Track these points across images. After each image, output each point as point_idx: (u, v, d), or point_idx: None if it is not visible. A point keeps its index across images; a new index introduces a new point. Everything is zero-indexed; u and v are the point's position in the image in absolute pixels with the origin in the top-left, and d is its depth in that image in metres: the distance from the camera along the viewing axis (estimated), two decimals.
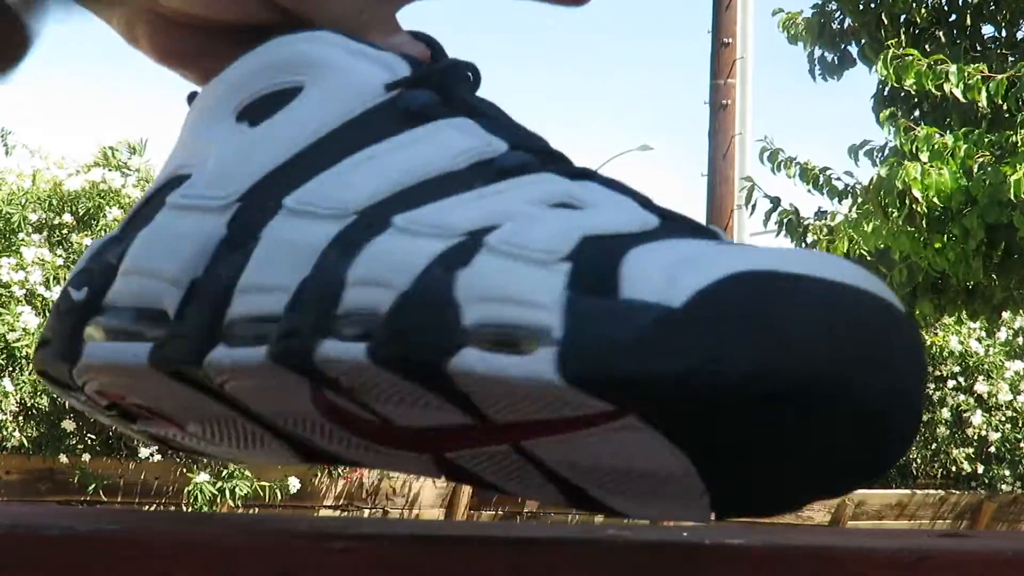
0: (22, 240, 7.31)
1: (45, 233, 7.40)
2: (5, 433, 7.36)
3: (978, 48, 5.93)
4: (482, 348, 0.39)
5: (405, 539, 0.43)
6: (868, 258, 5.86)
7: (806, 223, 6.17)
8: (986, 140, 5.14)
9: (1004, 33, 6.03)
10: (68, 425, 6.56)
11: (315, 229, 0.45)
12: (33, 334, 7.20)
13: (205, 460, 6.25)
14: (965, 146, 5.11)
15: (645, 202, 0.45)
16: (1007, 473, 8.71)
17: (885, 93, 5.83)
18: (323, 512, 7.00)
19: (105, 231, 6.99)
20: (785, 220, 6.17)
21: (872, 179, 5.41)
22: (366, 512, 7.18)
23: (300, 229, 0.46)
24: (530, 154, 0.47)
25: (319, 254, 0.44)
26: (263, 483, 6.63)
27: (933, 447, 8.59)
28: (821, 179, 5.90)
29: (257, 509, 6.49)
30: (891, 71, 5.26)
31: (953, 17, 5.98)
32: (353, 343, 0.42)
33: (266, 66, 0.51)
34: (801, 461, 0.39)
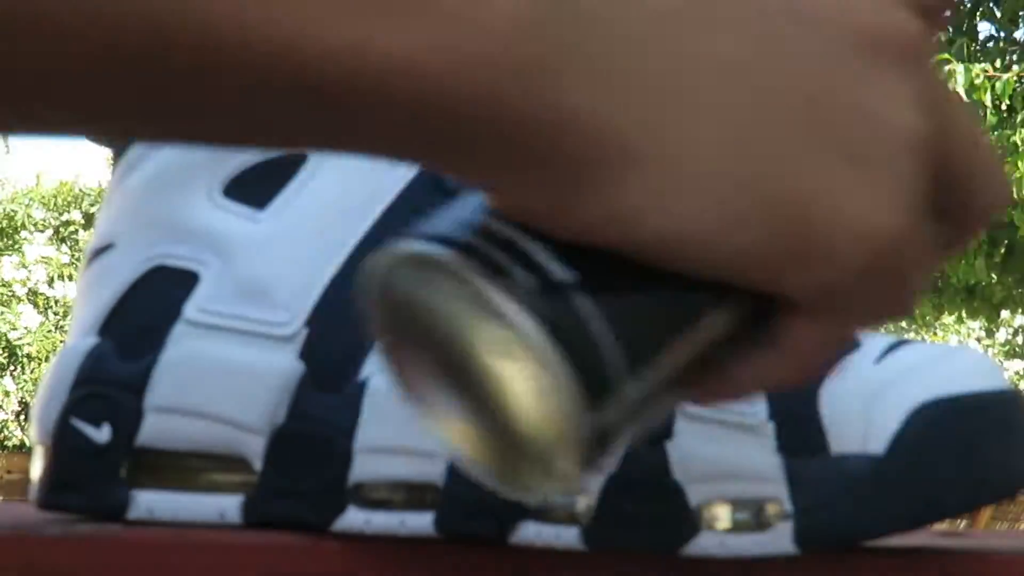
0: (25, 239, 7.32)
1: (49, 232, 7.42)
2: (6, 432, 7.35)
3: (976, 46, 5.93)
4: (716, 530, 0.40)
5: (406, 539, 0.43)
6: None
7: None
8: (990, 140, 5.14)
9: (1003, 33, 6.02)
10: None
11: None
12: (34, 333, 7.19)
13: None
14: None
15: None
16: None
17: None
18: None
19: None
20: None
21: None
22: None
23: None
24: None
25: None
26: None
27: None
28: None
29: None
30: None
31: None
32: (563, 527, 0.41)
33: None
34: None
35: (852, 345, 0.43)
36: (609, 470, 0.40)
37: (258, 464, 0.43)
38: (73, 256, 7.35)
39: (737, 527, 0.40)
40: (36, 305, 7.25)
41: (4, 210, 7.36)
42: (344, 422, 0.42)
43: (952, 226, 0.30)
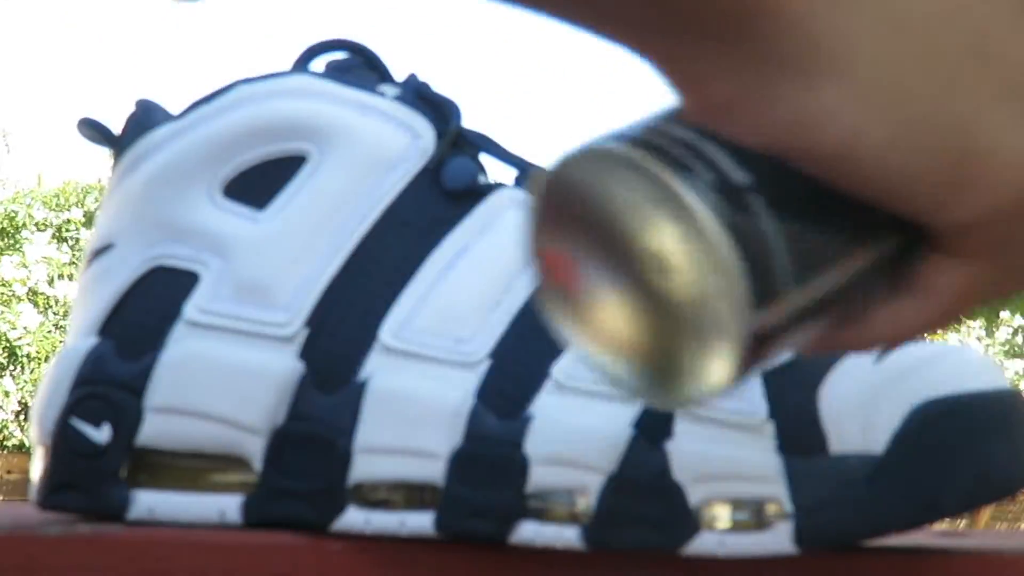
0: (26, 238, 7.32)
1: (49, 232, 7.41)
2: (6, 432, 7.35)
3: None
4: (715, 530, 0.40)
5: (405, 539, 0.43)
6: None
7: None
8: None
9: None
10: None
11: (443, 378, 0.42)
12: (34, 333, 7.19)
13: None
14: None
15: None
16: None
17: None
18: None
19: None
20: None
21: None
22: None
23: (417, 376, 0.42)
24: None
25: (466, 414, 0.42)
26: None
27: None
28: None
29: None
30: None
31: None
32: (563, 527, 0.41)
33: (252, 131, 0.45)
34: None
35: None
36: (611, 472, 0.40)
37: (258, 464, 0.43)
38: (73, 255, 7.35)
39: (737, 527, 0.40)
40: (36, 305, 7.25)
41: (5, 210, 7.36)
42: (344, 422, 0.42)
43: None
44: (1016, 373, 8.63)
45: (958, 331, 8.50)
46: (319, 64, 0.48)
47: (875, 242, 0.28)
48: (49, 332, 7.27)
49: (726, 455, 0.40)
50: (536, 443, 0.41)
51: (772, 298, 0.27)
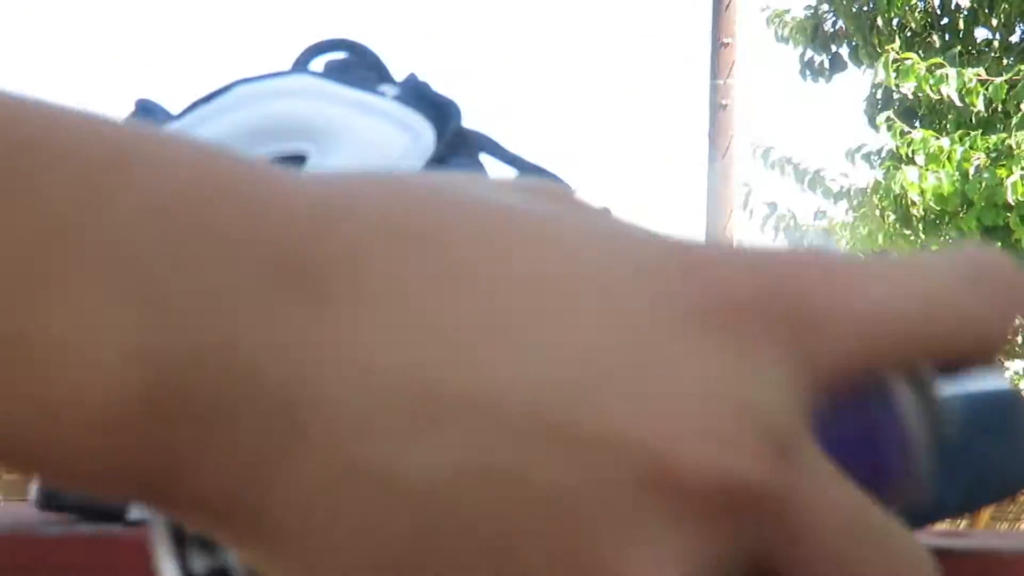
0: None
1: None
2: None
3: (972, 51, 5.94)
4: None
5: None
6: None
7: (803, 229, 6.17)
8: (981, 143, 5.14)
9: (998, 37, 6.03)
10: None
11: None
12: None
13: None
14: (961, 149, 5.11)
15: None
16: None
17: (878, 96, 5.84)
18: None
19: None
20: (782, 224, 6.18)
21: (869, 184, 5.42)
22: None
23: None
24: None
25: None
26: None
27: None
28: (815, 180, 5.90)
29: None
30: (890, 75, 5.26)
31: (946, 21, 5.99)
32: None
33: (252, 131, 0.45)
34: None
35: None
36: None
37: None
38: None
39: None
40: None
41: None
42: None
43: None
44: (1016, 373, 8.64)
45: None
46: (318, 64, 0.48)
47: None
48: None
49: None
50: None
51: None
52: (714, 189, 6.74)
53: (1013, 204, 5.00)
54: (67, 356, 0.20)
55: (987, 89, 5.18)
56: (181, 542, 0.28)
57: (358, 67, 0.48)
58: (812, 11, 6.26)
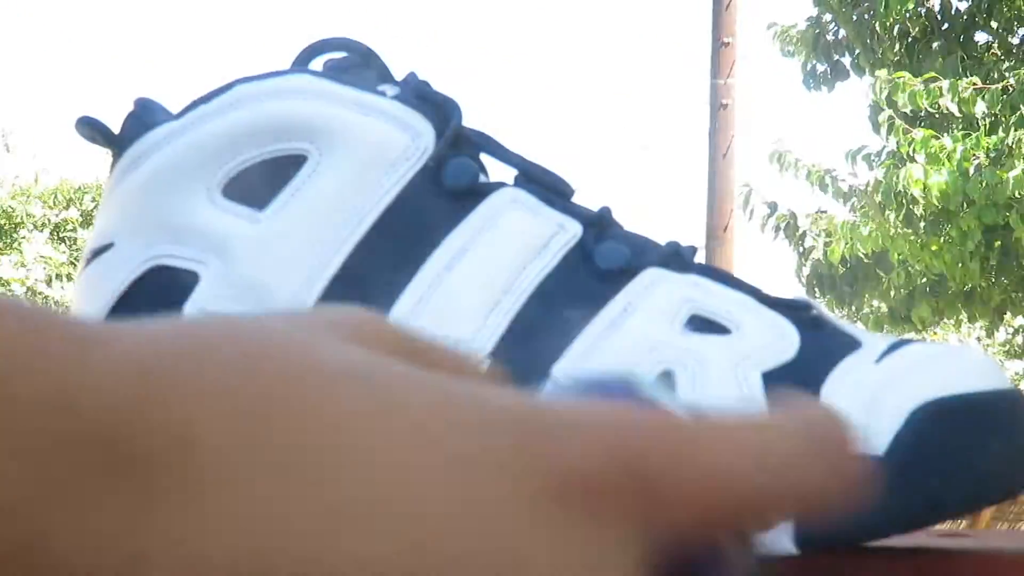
0: (23, 237, 7.32)
1: (47, 231, 7.41)
2: None
3: (973, 55, 5.93)
4: None
5: None
6: (865, 260, 5.87)
7: (802, 230, 6.17)
8: (982, 143, 5.14)
9: (997, 41, 6.03)
10: None
11: None
12: None
13: None
14: (962, 148, 5.11)
15: (755, 291, 0.45)
16: None
17: (882, 104, 5.83)
18: None
19: None
20: (783, 224, 6.17)
21: (869, 182, 5.42)
22: None
23: None
24: (603, 232, 0.45)
25: None
26: None
27: None
28: (827, 180, 5.90)
29: None
30: (880, 95, 5.27)
31: (947, 26, 5.98)
32: None
33: (252, 131, 0.45)
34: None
35: (854, 345, 0.43)
36: None
37: None
38: (71, 255, 7.34)
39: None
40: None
41: (2, 207, 7.35)
42: None
43: None
44: (1016, 374, 8.64)
45: (958, 331, 8.51)
46: (318, 63, 0.48)
47: None
48: None
49: None
50: None
51: None
52: (714, 189, 6.73)
53: (1013, 203, 4.99)
54: None
55: (983, 97, 5.18)
56: None
57: (358, 66, 0.48)
58: (813, 21, 6.26)
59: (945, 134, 5.25)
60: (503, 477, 0.21)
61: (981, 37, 6.08)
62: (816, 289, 6.12)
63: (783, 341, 0.43)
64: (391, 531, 0.20)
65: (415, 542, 0.20)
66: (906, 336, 0.50)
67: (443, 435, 0.21)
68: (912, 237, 5.35)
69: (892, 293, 6.04)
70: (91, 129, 0.46)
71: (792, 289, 5.79)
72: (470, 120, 0.47)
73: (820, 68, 6.28)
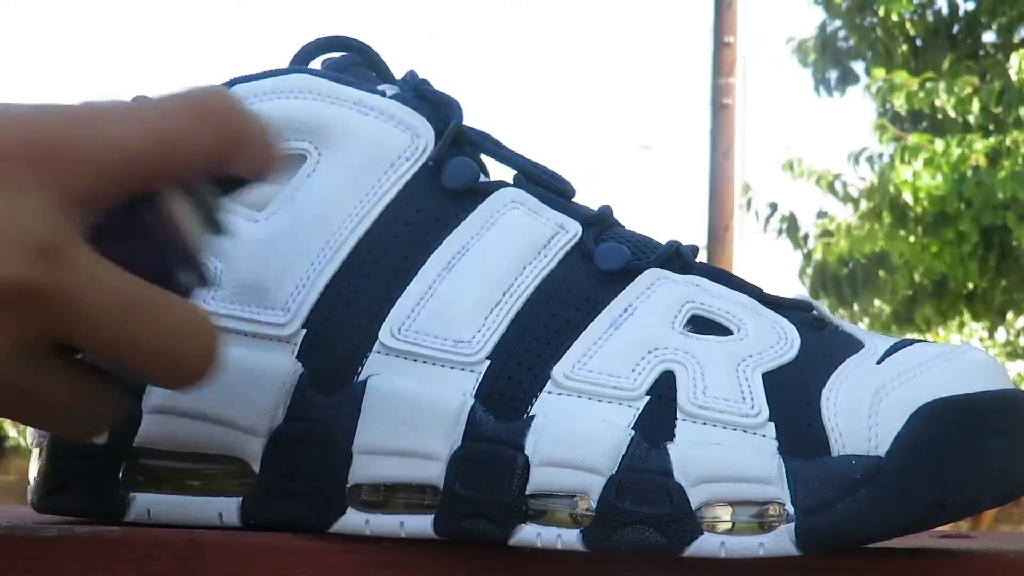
0: None
1: None
2: (2, 434, 7.35)
3: (978, 55, 5.92)
4: (717, 532, 0.40)
5: (405, 539, 0.42)
6: (865, 262, 5.87)
7: (804, 231, 6.17)
8: (980, 145, 5.14)
9: (1001, 39, 6.02)
10: None
11: (443, 379, 0.42)
12: None
13: None
14: (959, 151, 5.11)
15: (756, 291, 0.45)
16: None
17: (886, 106, 5.83)
18: None
19: None
20: (784, 225, 6.17)
21: (865, 186, 5.42)
22: None
23: (419, 377, 0.42)
24: (604, 232, 0.45)
25: (466, 415, 0.42)
26: None
27: None
28: (836, 185, 5.90)
29: None
30: (877, 96, 5.27)
31: (955, 28, 5.98)
32: (564, 529, 0.41)
33: None
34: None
35: (855, 346, 0.43)
36: (611, 474, 0.40)
37: (257, 465, 0.43)
38: None
39: (738, 529, 0.40)
40: None
41: None
42: (343, 423, 0.42)
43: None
44: (1018, 374, 8.63)
45: (960, 332, 8.51)
46: (317, 62, 0.48)
47: None
48: None
49: (727, 457, 0.40)
50: (536, 444, 0.41)
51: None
52: (715, 189, 6.73)
53: (1009, 203, 4.99)
54: None
55: (980, 96, 5.18)
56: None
57: (357, 65, 0.47)
58: (821, 29, 6.27)
59: (938, 138, 5.24)
60: None
61: (987, 38, 6.08)
62: (819, 290, 6.12)
63: (784, 342, 0.43)
64: None
65: None
66: (908, 337, 0.50)
67: None
68: (911, 239, 5.35)
69: (895, 295, 6.04)
70: None
71: (793, 290, 5.78)
72: (470, 119, 0.47)
73: (831, 75, 6.28)
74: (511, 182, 0.46)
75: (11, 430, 7.35)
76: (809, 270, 6.18)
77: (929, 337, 7.46)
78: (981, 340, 8.63)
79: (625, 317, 0.43)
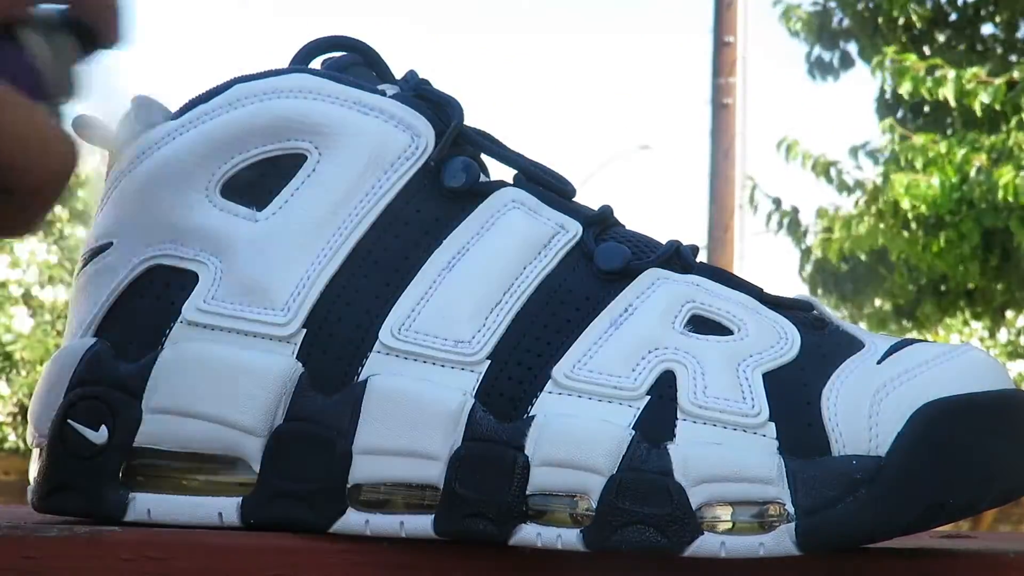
0: None
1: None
2: (2, 435, 7.35)
3: (977, 48, 5.92)
4: (717, 532, 0.40)
5: (405, 539, 0.42)
6: (866, 259, 5.86)
7: (805, 226, 6.16)
8: (983, 143, 5.13)
9: (1004, 34, 6.02)
10: None
11: (443, 379, 0.42)
12: (28, 337, 7.19)
13: None
14: (962, 151, 5.10)
15: (757, 291, 0.45)
16: None
17: (887, 97, 5.82)
18: None
19: None
20: (786, 221, 6.17)
21: (871, 184, 5.41)
22: None
23: (419, 377, 0.42)
24: (604, 232, 0.45)
25: (466, 415, 0.42)
26: None
27: None
28: (832, 172, 5.88)
29: None
30: (886, 76, 5.25)
31: (954, 17, 5.97)
32: (564, 529, 0.41)
33: (250, 130, 0.45)
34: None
35: (856, 346, 0.43)
36: (612, 474, 0.40)
37: (257, 465, 0.43)
38: (61, 255, 7.34)
39: (738, 529, 0.40)
40: (30, 308, 7.26)
41: None
42: (343, 423, 0.42)
43: None
44: (1018, 374, 8.63)
45: (960, 332, 8.51)
46: (317, 62, 0.48)
47: None
48: (41, 338, 7.24)
49: (728, 457, 0.40)
50: (536, 444, 0.41)
51: None
52: (715, 189, 6.73)
53: (1012, 205, 4.99)
54: None
55: (987, 90, 5.16)
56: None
57: (357, 65, 0.47)
58: (820, 7, 6.23)
59: (941, 135, 5.23)
60: None
61: (986, 29, 6.06)
62: (819, 287, 6.11)
63: (784, 342, 0.43)
64: None
65: None
66: (908, 336, 0.50)
67: None
68: (910, 239, 5.35)
69: (895, 292, 6.03)
70: (89, 128, 0.46)
71: (794, 290, 5.78)
72: (470, 119, 0.47)
73: (826, 57, 6.24)
74: (511, 182, 0.46)
75: (11, 432, 7.35)
76: (808, 266, 6.17)
77: (929, 336, 7.46)
78: (981, 340, 8.64)
79: (625, 317, 0.43)
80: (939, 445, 0.40)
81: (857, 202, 5.78)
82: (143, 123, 0.46)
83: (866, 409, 0.40)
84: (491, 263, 0.44)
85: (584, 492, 0.40)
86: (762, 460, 0.40)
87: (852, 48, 6.23)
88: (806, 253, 6.18)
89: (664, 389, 0.42)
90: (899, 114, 5.56)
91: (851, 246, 5.66)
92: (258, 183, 0.45)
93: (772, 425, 0.41)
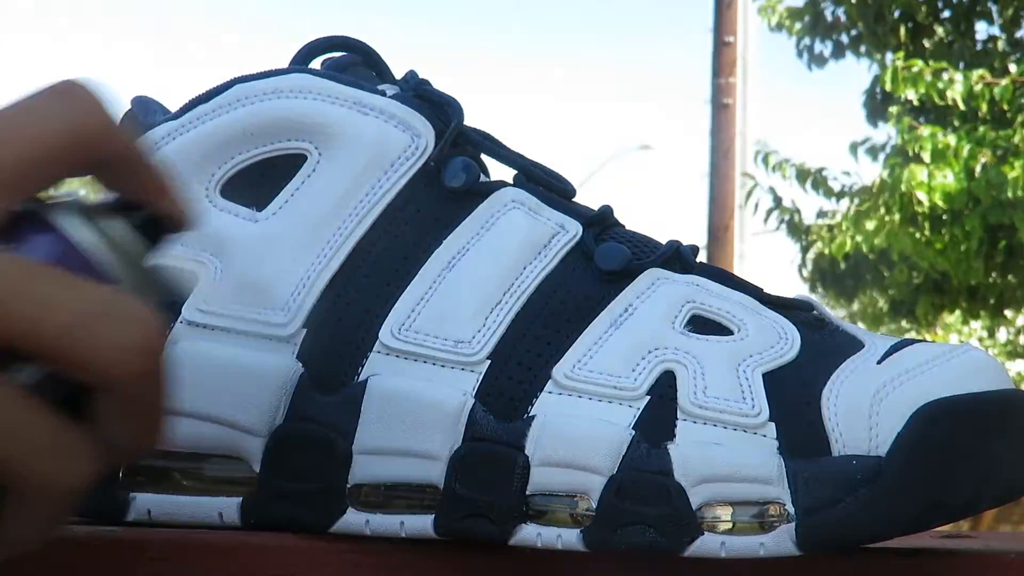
0: None
1: None
2: None
3: (977, 45, 5.91)
4: (717, 532, 0.40)
5: (405, 539, 0.42)
6: (870, 256, 5.86)
7: (807, 225, 6.16)
8: (989, 139, 5.12)
9: (1003, 33, 6.01)
10: None
11: (443, 379, 0.42)
12: None
13: None
14: (968, 146, 5.10)
15: (757, 291, 0.45)
16: None
17: (877, 91, 5.81)
18: None
19: None
20: (786, 219, 6.16)
21: (874, 181, 5.40)
22: None
23: (419, 377, 0.42)
24: (604, 232, 0.45)
25: (466, 415, 0.42)
26: None
27: None
28: (817, 179, 5.88)
29: None
30: (894, 82, 5.23)
31: (948, 14, 5.96)
32: (564, 529, 0.41)
33: (250, 130, 0.45)
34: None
35: (856, 346, 0.43)
36: (612, 474, 0.40)
37: (257, 465, 0.43)
38: None
39: (738, 529, 0.40)
40: None
41: None
42: (343, 423, 0.42)
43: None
44: (1018, 374, 8.63)
45: (960, 331, 8.50)
46: (317, 62, 0.48)
47: None
48: None
49: (728, 457, 0.40)
50: (536, 444, 0.41)
51: None
52: (715, 189, 6.72)
53: (1016, 201, 4.98)
54: None
55: (993, 91, 5.16)
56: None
57: (357, 65, 0.47)
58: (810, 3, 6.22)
59: (948, 129, 5.22)
60: None
61: (983, 27, 6.06)
62: (819, 285, 6.11)
63: (784, 342, 0.43)
64: None
65: None
66: (908, 336, 0.50)
67: None
68: (915, 235, 5.35)
69: (896, 289, 6.03)
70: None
71: (793, 290, 5.78)
72: (470, 119, 0.47)
73: (818, 48, 6.22)
74: (511, 182, 0.46)
75: None
76: (808, 265, 6.16)
77: (928, 335, 7.46)
78: (981, 340, 8.63)
79: (625, 317, 0.43)
80: (939, 445, 0.40)
81: (853, 200, 5.76)
82: (143, 123, 0.46)
83: (866, 409, 0.40)
84: (491, 263, 0.44)
85: (584, 492, 0.41)
86: (762, 460, 0.40)
87: (844, 39, 6.19)
88: (804, 250, 6.17)
89: (664, 389, 0.42)
90: (896, 113, 5.54)
91: (857, 243, 5.64)
92: (258, 183, 0.45)
93: (772, 425, 0.41)
